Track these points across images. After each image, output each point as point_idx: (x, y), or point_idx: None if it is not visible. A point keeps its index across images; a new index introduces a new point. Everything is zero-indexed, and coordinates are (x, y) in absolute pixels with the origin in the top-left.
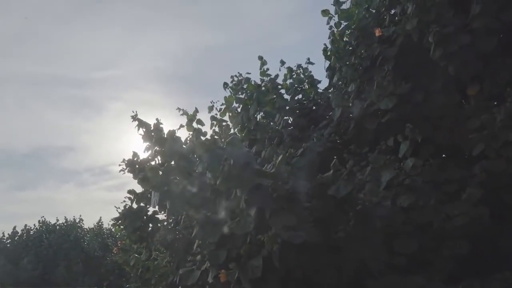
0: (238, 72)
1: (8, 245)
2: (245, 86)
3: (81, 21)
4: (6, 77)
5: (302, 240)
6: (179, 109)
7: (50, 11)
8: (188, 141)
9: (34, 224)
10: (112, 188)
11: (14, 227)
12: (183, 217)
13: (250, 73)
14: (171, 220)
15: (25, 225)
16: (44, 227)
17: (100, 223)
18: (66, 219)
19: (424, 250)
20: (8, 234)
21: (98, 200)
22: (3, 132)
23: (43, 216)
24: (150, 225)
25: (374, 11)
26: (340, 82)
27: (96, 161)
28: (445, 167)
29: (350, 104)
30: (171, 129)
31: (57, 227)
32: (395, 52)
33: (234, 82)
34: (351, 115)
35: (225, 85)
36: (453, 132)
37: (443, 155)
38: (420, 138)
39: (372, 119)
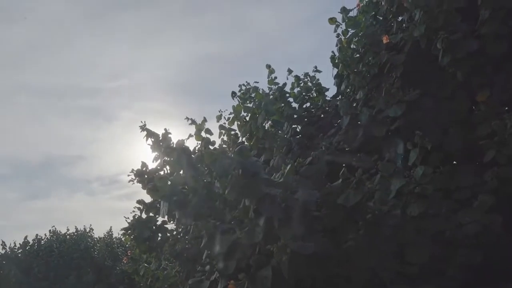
0: (246, 82)
1: (20, 255)
2: (253, 95)
3: (91, 32)
4: (18, 88)
5: (312, 250)
6: (187, 118)
7: (62, 23)
8: (197, 151)
9: (45, 234)
10: (122, 197)
11: (26, 237)
12: (192, 227)
13: (258, 82)
14: (180, 230)
15: (36, 235)
16: (54, 236)
17: (110, 233)
18: (76, 228)
19: (436, 259)
20: (20, 243)
21: (108, 209)
22: (16, 143)
23: (54, 226)
24: (159, 235)
25: (381, 18)
26: (348, 90)
27: (106, 170)
28: (455, 174)
29: (358, 112)
30: (180, 138)
31: (68, 236)
32: (403, 59)
33: (242, 91)
34: (359, 122)
35: (233, 94)
36: (464, 138)
37: (454, 162)
38: (429, 146)
39: (381, 126)
